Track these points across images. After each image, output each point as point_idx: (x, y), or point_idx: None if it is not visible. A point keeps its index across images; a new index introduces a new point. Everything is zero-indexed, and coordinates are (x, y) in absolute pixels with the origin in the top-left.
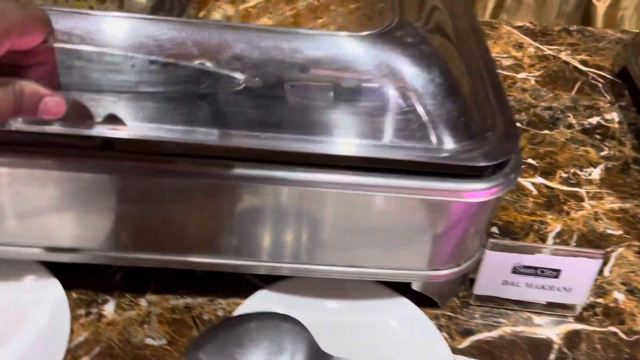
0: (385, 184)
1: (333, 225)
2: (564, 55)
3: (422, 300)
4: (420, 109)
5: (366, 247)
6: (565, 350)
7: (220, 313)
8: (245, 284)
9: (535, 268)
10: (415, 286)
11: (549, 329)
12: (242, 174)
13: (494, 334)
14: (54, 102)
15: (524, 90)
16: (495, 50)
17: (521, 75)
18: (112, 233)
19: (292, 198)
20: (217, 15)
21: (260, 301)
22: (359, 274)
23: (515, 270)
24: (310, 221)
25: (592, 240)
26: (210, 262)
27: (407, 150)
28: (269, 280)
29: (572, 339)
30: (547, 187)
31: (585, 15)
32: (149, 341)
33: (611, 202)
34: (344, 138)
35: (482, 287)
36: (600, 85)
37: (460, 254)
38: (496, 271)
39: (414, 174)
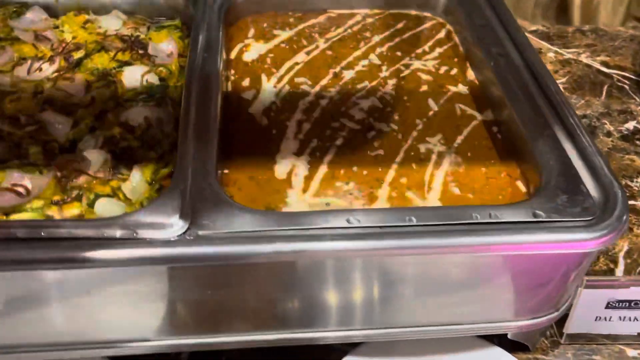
0: (495, 242)
1: (437, 288)
2: (584, 58)
3: (509, 343)
4: None
5: (468, 305)
6: None
7: None
8: (323, 349)
9: (630, 301)
10: (510, 334)
11: None
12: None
13: None
14: None
15: None
16: None
17: None
18: (183, 320)
19: (406, 265)
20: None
21: None
22: (457, 331)
23: (608, 306)
24: (417, 285)
25: None
26: (291, 337)
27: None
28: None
29: None
30: None
31: (562, 4)
32: None
33: None
34: None
35: (574, 325)
36: (626, 87)
37: (560, 299)
38: (589, 308)
39: (525, 230)
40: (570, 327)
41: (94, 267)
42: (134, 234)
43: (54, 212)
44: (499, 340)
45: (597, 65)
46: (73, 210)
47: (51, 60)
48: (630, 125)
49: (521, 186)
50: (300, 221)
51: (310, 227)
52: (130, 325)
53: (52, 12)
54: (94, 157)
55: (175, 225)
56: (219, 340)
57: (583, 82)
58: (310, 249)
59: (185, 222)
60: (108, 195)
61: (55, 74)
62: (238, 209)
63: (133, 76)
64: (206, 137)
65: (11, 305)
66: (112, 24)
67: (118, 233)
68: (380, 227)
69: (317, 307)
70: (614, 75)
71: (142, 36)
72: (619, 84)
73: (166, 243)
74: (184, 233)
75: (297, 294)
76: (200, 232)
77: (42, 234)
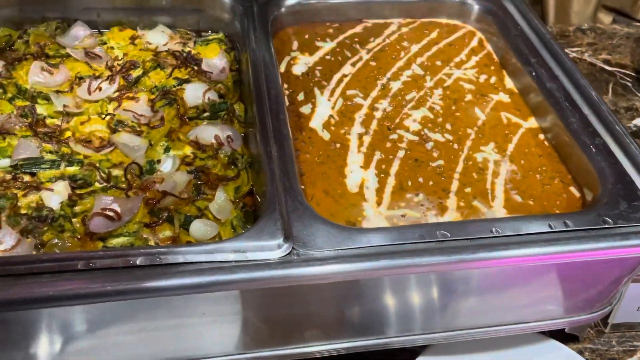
0: (573, 250)
1: (511, 292)
2: (587, 57)
3: (559, 335)
4: None
5: (536, 305)
6: None
7: None
8: (395, 351)
9: None
10: (568, 328)
11: None
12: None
13: (635, 358)
14: None
15: None
16: None
17: None
18: (274, 333)
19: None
20: None
21: None
22: (524, 329)
23: None
24: (493, 290)
25: None
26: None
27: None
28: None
29: None
30: None
31: None
32: None
33: None
34: None
35: (619, 316)
36: (629, 84)
37: (614, 295)
38: (634, 300)
39: (598, 237)
40: (616, 318)
41: (210, 291)
42: (245, 257)
43: (148, 235)
44: (550, 333)
45: (600, 64)
46: (166, 232)
47: (111, 79)
48: (638, 121)
49: (575, 192)
50: (398, 237)
51: (408, 242)
52: (228, 341)
53: (93, 26)
54: (178, 178)
55: (281, 246)
56: (306, 350)
57: (590, 81)
58: (415, 263)
59: (289, 243)
60: (196, 216)
61: (117, 93)
62: (334, 226)
63: (194, 94)
64: (285, 154)
65: (128, 329)
66: (158, 39)
67: (231, 257)
68: (469, 239)
69: (400, 314)
70: (617, 73)
71: (193, 51)
72: (622, 81)
73: (277, 264)
74: (289, 253)
75: (385, 303)
76: (305, 252)
77: (160, 260)
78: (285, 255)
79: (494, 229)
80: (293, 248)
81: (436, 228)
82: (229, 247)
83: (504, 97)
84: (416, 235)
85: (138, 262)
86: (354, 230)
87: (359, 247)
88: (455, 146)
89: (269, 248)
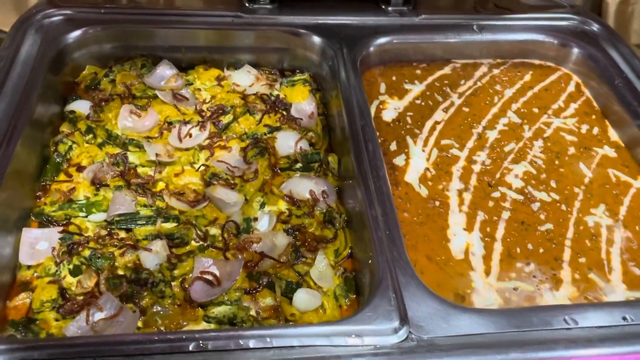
0: None
1: None
2: None
3: None
4: None
5: None
6: None
7: None
8: None
9: None
10: None
11: None
12: None
13: None
14: None
15: None
16: None
17: None
18: None
19: None
20: None
21: None
22: None
23: None
24: None
25: None
26: None
27: None
28: None
29: None
30: None
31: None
32: None
33: None
34: None
35: None
36: None
37: None
38: None
39: None
40: None
41: None
42: (362, 342)
43: (249, 303)
44: None
45: None
46: (266, 299)
47: (201, 126)
48: None
49: None
50: (523, 322)
51: (534, 329)
52: None
53: (177, 63)
54: (279, 241)
55: (398, 331)
56: None
57: None
58: (547, 357)
59: (406, 326)
60: (297, 283)
61: (207, 140)
62: (451, 307)
63: (286, 143)
64: (389, 218)
65: None
66: (245, 79)
67: (349, 341)
68: (598, 327)
69: None
70: None
71: (281, 95)
72: None
73: (398, 354)
74: (407, 339)
75: None
76: (422, 337)
77: (273, 343)
78: (403, 340)
79: (627, 317)
80: (410, 332)
81: (561, 312)
82: (344, 331)
83: (609, 152)
84: (541, 320)
85: (251, 345)
86: (474, 311)
87: (483, 334)
88: (563, 207)
89: (384, 332)
